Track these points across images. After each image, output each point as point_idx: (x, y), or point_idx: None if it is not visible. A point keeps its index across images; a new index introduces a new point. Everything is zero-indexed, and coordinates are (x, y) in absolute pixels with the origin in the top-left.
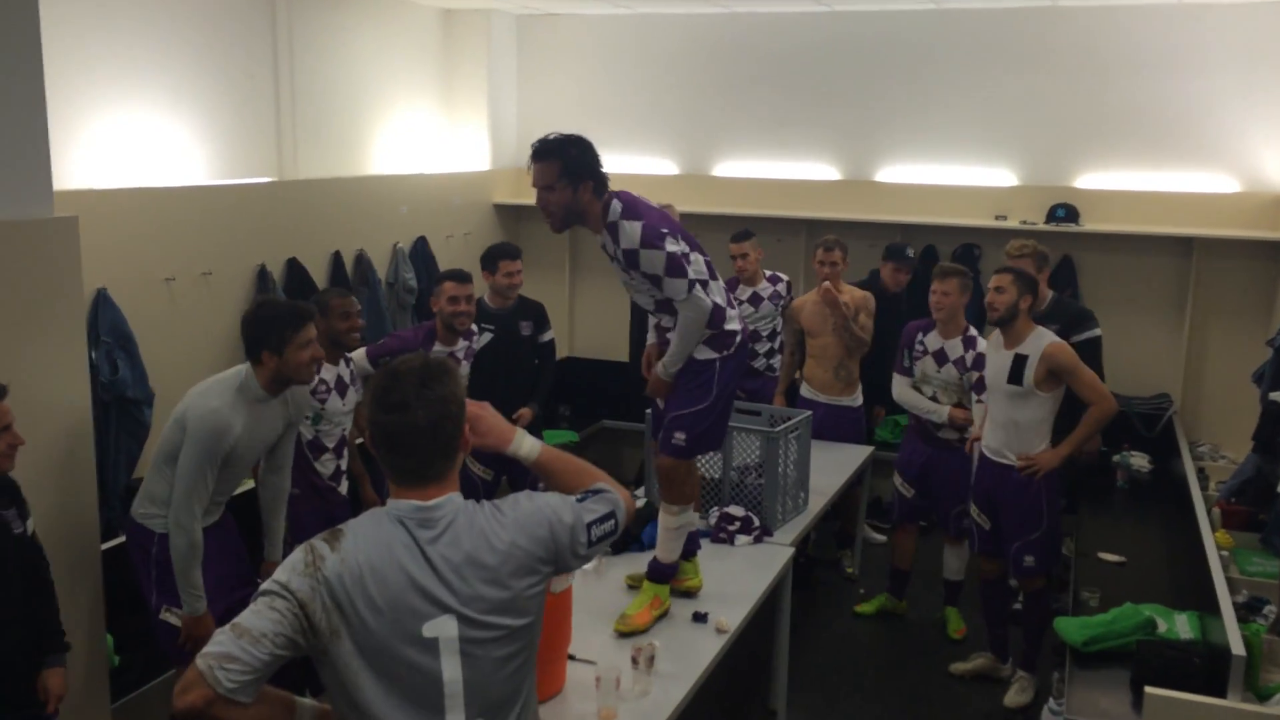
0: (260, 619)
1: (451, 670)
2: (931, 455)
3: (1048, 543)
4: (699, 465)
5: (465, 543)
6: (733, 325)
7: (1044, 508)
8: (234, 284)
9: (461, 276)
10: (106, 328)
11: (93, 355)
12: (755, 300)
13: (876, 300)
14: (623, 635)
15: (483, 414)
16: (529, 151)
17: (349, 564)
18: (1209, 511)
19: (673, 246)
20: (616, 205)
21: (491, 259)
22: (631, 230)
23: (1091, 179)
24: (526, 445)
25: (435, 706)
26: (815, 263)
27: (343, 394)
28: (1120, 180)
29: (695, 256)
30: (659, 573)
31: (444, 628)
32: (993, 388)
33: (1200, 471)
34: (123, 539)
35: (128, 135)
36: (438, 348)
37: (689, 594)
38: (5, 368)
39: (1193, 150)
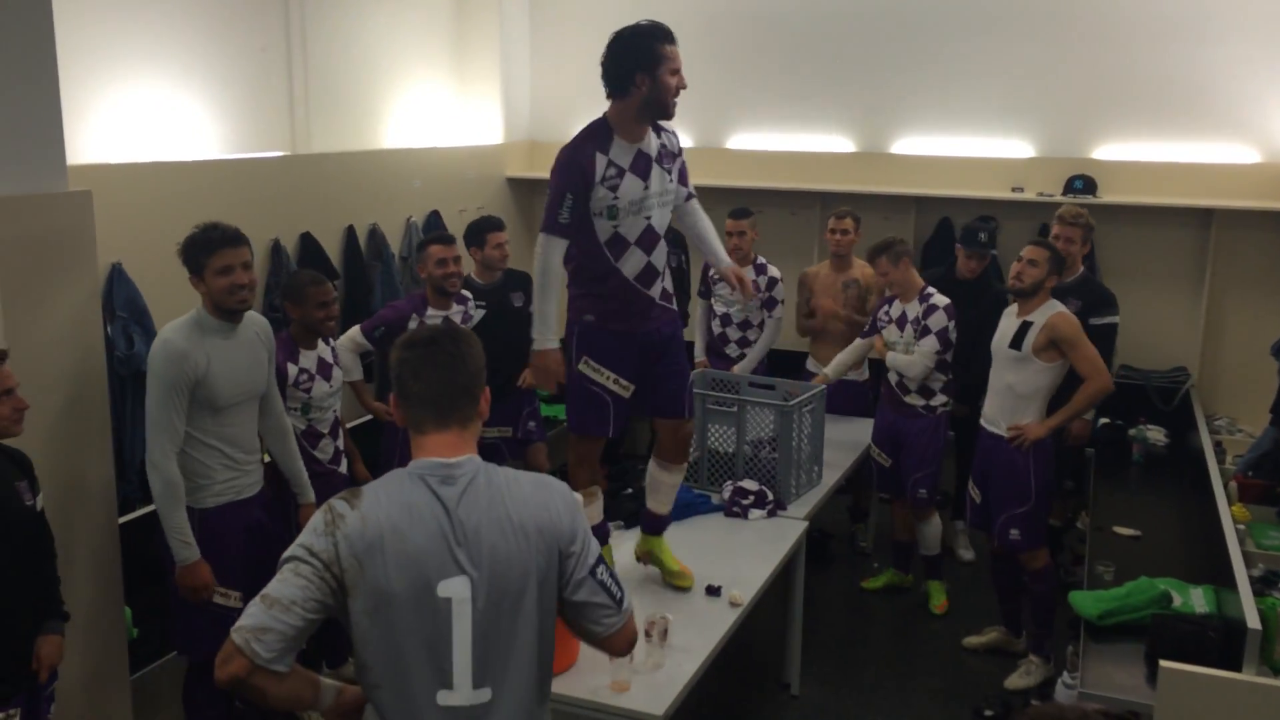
0: (287, 586)
1: (461, 631)
2: (897, 421)
3: (1034, 518)
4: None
5: (484, 503)
6: None
7: (1031, 481)
8: None
9: (446, 239)
10: (121, 302)
11: (108, 330)
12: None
13: (951, 289)
14: (685, 589)
15: None
16: (542, 124)
17: (369, 522)
18: (1225, 485)
19: None
20: None
21: (478, 233)
22: None
23: (1109, 150)
24: None
25: (443, 666)
26: (826, 232)
27: (327, 376)
28: (1138, 151)
29: None
30: (658, 524)
31: (458, 588)
32: (995, 353)
33: (1217, 445)
34: (140, 512)
35: (141, 109)
36: (431, 313)
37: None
38: (21, 342)
39: (1212, 120)
